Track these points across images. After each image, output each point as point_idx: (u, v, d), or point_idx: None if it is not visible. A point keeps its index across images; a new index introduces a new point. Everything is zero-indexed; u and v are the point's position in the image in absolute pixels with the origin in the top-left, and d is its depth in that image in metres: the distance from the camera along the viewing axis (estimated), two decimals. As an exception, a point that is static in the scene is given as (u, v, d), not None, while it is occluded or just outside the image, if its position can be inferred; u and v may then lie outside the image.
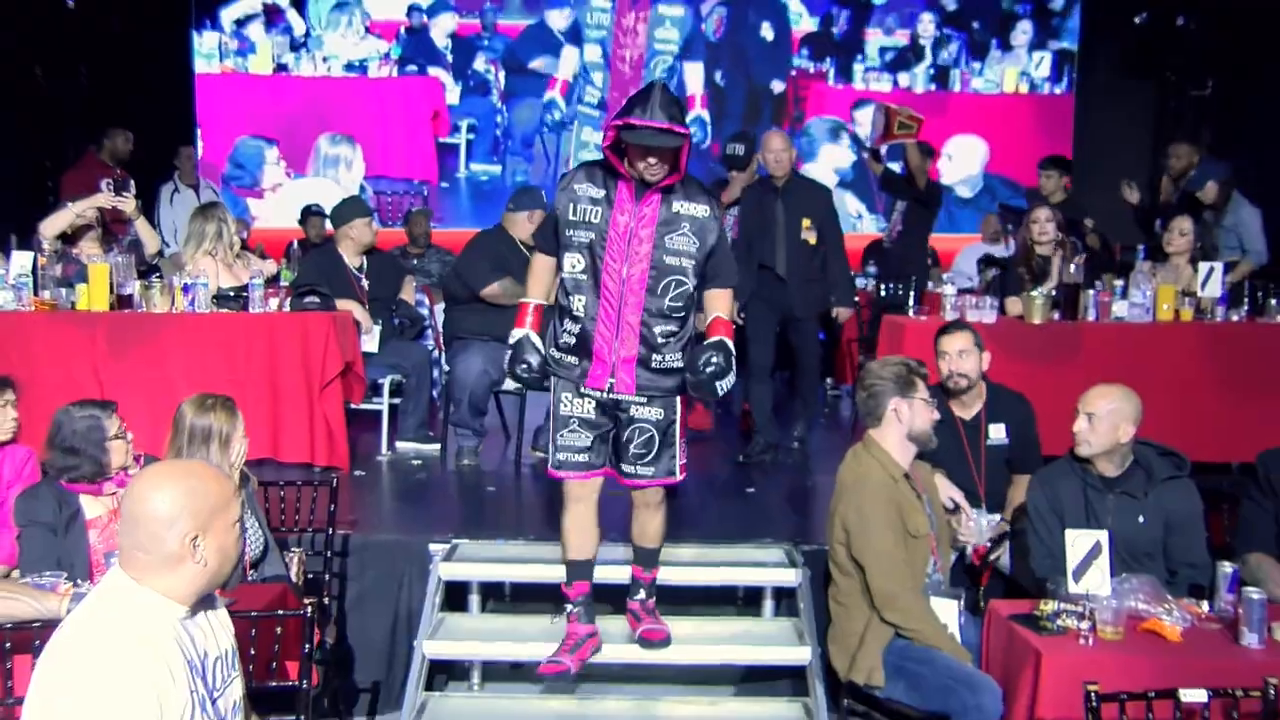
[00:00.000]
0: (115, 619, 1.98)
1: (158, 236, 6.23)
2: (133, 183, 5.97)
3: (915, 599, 3.32)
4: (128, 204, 5.81)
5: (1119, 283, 5.35)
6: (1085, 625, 2.88)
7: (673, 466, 3.54)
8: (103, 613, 2.01)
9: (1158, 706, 2.40)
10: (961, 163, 10.32)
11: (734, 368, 3.33)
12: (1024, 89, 10.33)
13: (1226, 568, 3.06)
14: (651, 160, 3.27)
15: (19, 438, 3.87)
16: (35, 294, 5.09)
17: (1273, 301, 5.26)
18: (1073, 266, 5.28)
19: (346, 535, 4.24)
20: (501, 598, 4.36)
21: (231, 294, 5.26)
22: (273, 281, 5.51)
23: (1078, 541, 3.03)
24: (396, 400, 5.89)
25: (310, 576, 3.89)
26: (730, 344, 3.36)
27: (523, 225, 5.62)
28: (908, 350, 5.05)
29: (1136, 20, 9.04)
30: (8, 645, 2.61)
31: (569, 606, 3.64)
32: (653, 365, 3.42)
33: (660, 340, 3.41)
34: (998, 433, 4.11)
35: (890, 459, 3.46)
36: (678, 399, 3.52)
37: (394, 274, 6.25)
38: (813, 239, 5.75)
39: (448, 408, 5.72)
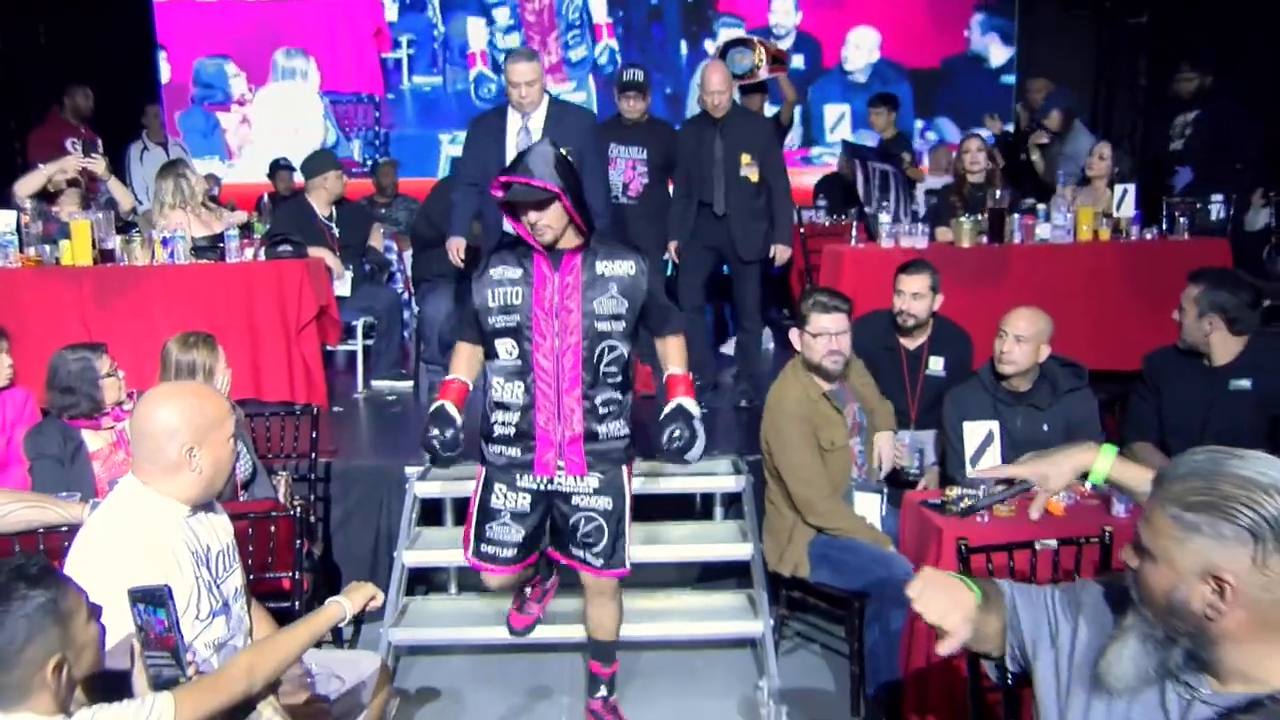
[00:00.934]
0: (129, 516, 2.34)
1: (130, 194, 6.48)
2: (100, 142, 6.26)
3: (832, 504, 3.71)
4: (98, 165, 6.11)
5: (1042, 206, 5.74)
6: (977, 500, 3.27)
7: (623, 558, 3.36)
8: (119, 511, 2.38)
9: (1018, 556, 2.80)
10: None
11: (699, 433, 3.19)
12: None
13: (1106, 455, 3.47)
14: (531, 217, 3.06)
15: (14, 383, 4.19)
16: (21, 251, 5.37)
17: (1181, 220, 5.66)
18: (999, 193, 5.66)
19: (328, 463, 4.59)
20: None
21: (208, 245, 5.55)
22: (246, 232, 5.79)
23: (973, 432, 3.43)
24: (370, 341, 6.21)
25: (297, 500, 4.25)
26: (691, 405, 3.21)
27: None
28: (845, 277, 5.41)
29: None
30: (41, 547, 2.96)
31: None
32: (599, 439, 3.25)
33: (604, 411, 3.23)
34: (936, 365, 4.41)
35: (811, 380, 3.80)
36: (623, 471, 3.33)
37: (362, 222, 6.57)
38: (754, 175, 5.50)
39: (418, 346, 6.08)
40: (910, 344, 4.42)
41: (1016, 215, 5.65)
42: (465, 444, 3.25)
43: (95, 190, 6.38)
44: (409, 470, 4.54)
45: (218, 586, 2.45)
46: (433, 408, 3.25)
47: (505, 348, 3.20)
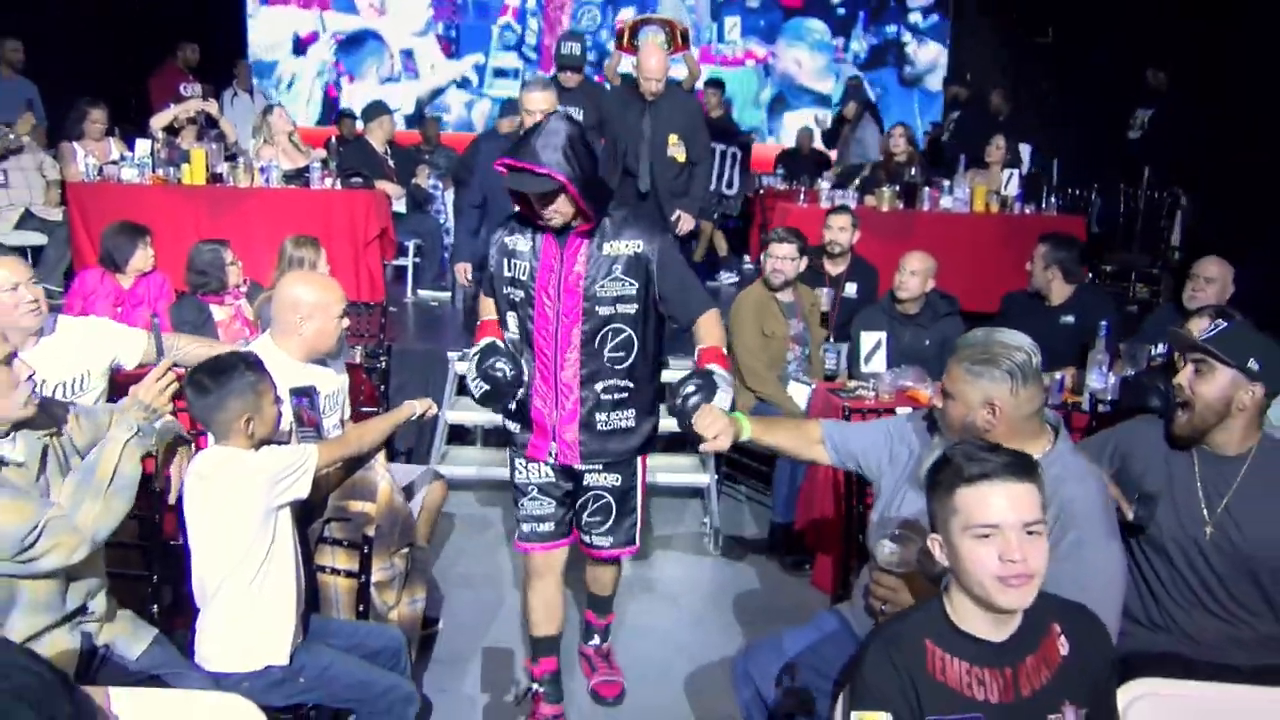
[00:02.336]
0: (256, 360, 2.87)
1: (234, 129, 6.98)
2: (201, 88, 6.80)
3: (768, 376, 4.32)
4: (211, 106, 6.65)
5: (947, 182, 6.32)
6: (869, 392, 3.90)
7: (631, 535, 2.91)
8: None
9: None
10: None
11: (720, 386, 2.51)
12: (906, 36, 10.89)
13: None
14: (537, 206, 2.55)
15: (155, 269, 4.71)
16: (153, 171, 5.88)
17: (1052, 199, 6.25)
18: (913, 169, 6.23)
19: (389, 344, 5.17)
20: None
21: (295, 174, 6.07)
22: (324, 165, 6.31)
23: (867, 339, 4.04)
24: (417, 259, 6.75)
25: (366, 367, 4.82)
26: (719, 370, 2.57)
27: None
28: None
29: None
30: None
31: (535, 685, 2.98)
32: (598, 428, 2.72)
33: (604, 398, 2.70)
34: (850, 289, 5.02)
35: (763, 288, 4.45)
36: (637, 461, 2.85)
37: (411, 163, 7.11)
38: (680, 155, 5.14)
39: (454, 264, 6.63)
40: (834, 270, 5.01)
41: (927, 188, 6.23)
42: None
43: (209, 127, 6.90)
44: (450, 354, 5.10)
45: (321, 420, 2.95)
46: (481, 343, 2.72)
47: (512, 321, 2.74)
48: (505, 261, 2.70)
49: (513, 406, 2.77)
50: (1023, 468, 1.64)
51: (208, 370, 2.28)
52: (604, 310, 2.65)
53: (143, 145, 5.85)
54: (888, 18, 10.76)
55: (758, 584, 4.07)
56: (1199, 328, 2.41)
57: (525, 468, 2.85)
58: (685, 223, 5.17)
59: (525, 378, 2.69)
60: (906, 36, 10.77)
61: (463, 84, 10.66)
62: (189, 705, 1.84)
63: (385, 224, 6.12)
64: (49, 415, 2.25)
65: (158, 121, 6.30)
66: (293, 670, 2.30)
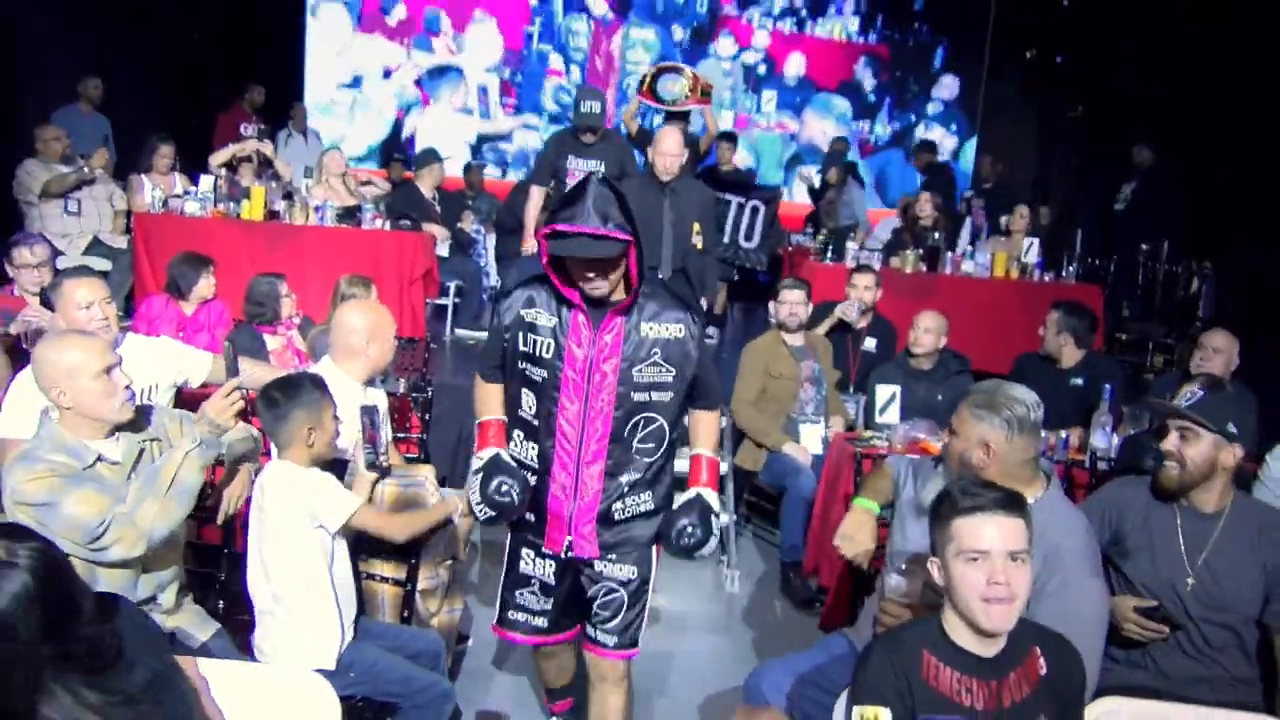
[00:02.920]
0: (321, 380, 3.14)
1: (289, 168, 7.37)
2: (258, 128, 7.22)
3: (769, 429, 4.55)
4: (267, 147, 7.05)
5: (970, 247, 6.56)
6: (883, 442, 4.11)
7: (634, 636, 2.63)
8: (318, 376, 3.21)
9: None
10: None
11: (714, 529, 2.49)
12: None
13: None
14: (590, 275, 2.32)
15: (216, 297, 5.01)
16: (214, 206, 6.23)
17: (1070, 268, 6.48)
18: (937, 234, 6.48)
19: (430, 378, 5.43)
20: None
21: (348, 213, 6.41)
22: (376, 207, 6.63)
23: (882, 391, 4.27)
24: (458, 299, 7.06)
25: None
26: (711, 498, 2.51)
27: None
28: (818, 284, 6.19)
29: (1028, 55, 10.03)
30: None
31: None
32: (616, 518, 2.50)
33: (626, 490, 2.49)
34: (870, 344, 5.28)
35: (776, 333, 4.73)
36: (652, 551, 2.61)
37: (457, 208, 7.45)
38: (700, 243, 5.20)
39: (495, 304, 6.93)
40: (855, 326, 5.25)
41: (949, 253, 6.48)
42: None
43: (265, 165, 7.28)
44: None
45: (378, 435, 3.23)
46: (485, 456, 2.51)
47: (528, 401, 2.47)
48: (523, 336, 2.44)
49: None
50: (1012, 503, 1.87)
51: (278, 386, 2.55)
52: (639, 397, 2.42)
53: (206, 181, 6.23)
54: (911, 105, 11.20)
55: (769, 621, 4.25)
56: (1183, 394, 2.62)
57: (531, 560, 2.61)
58: (711, 298, 5.41)
59: (527, 494, 2.45)
60: (922, 128, 11.17)
61: (527, 126, 11.14)
62: (267, 680, 2.06)
63: (430, 264, 6.44)
64: (148, 421, 2.52)
65: (216, 160, 6.70)
66: (343, 665, 2.53)
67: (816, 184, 8.88)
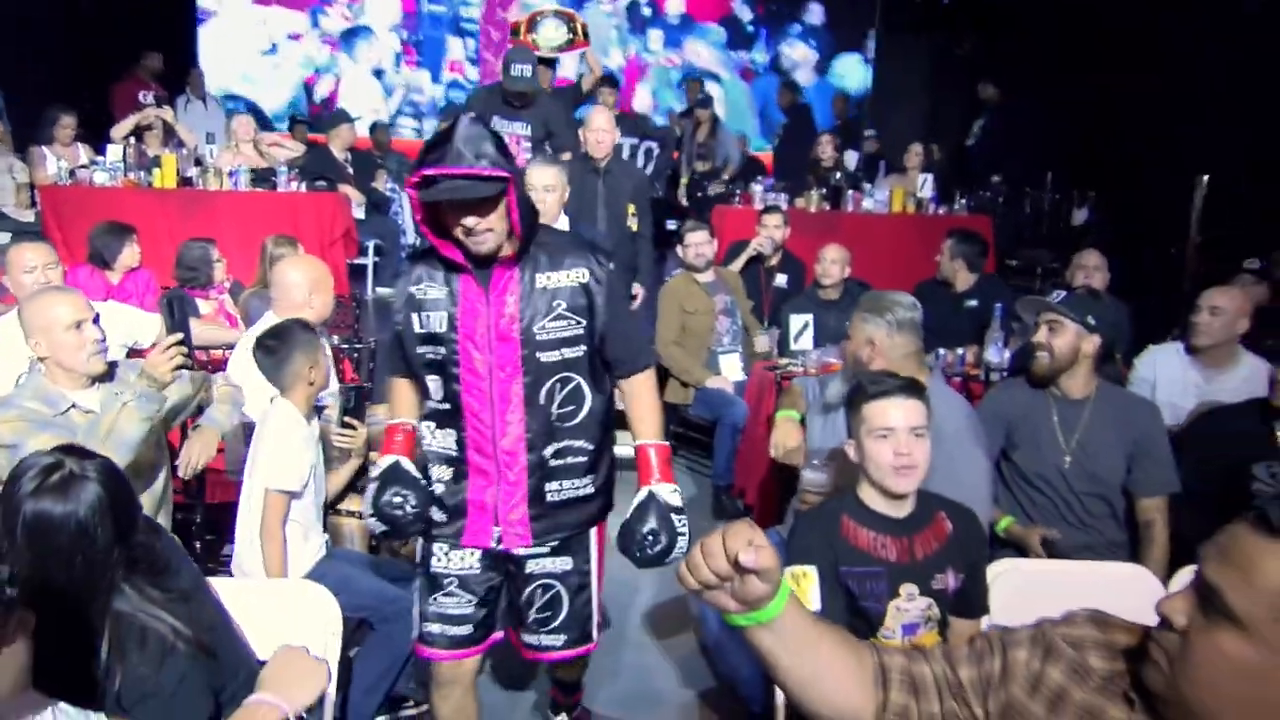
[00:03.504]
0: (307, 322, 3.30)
1: (193, 134, 7.35)
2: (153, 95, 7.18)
3: (692, 367, 4.87)
4: (167, 114, 7.03)
5: (868, 185, 6.98)
6: (799, 366, 4.48)
7: (587, 629, 2.40)
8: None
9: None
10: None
11: (679, 529, 2.16)
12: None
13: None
14: (469, 222, 2.04)
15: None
16: (125, 175, 6.23)
17: (963, 200, 6.95)
18: (838, 174, 6.88)
19: (362, 335, 5.60)
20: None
21: (263, 177, 6.48)
22: (290, 170, 6.70)
23: (794, 321, 4.64)
24: (377, 258, 7.19)
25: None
26: (666, 494, 2.20)
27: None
28: (728, 226, 6.57)
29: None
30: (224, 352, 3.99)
31: None
32: (548, 499, 2.28)
33: (554, 464, 2.26)
34: (781, 280, 5.64)
35: (687, 274, 5.02)
36: (591, 535, 2.39)
37: (371, 168, 7.55)
38: (635, 225, 5.14)
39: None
40: (766, 264, 5.60)
41: (850, 190, 6.88)
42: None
43: (169, 134, 7.26)
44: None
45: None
46: (382, 465, 2.26)
47: (434, 386, 2.26)
48: (416, 317, 2.20)
49: (439, 489, 2.30)
50: (912, 388, 2.23)
51: (272, 335, 2.77)
52: (547, 357, 2.19)
53: (114, 150, 6.23)
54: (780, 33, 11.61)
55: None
56: (1052, 295, 3.04)
57: (445, 555, 2.34)
58: (640, 294, 5.11)
59: (425, 509, 2.23)
60: (787, 47, 11.56)
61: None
62: (272, 590, 2.30)
63: (349, 224, 6.57)
64: (113, 377, 2.70)
65: (119, 130, 6.68)
66: (316, 577, 2.77)
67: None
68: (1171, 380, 3.71)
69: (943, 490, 2.34)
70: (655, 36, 11.41)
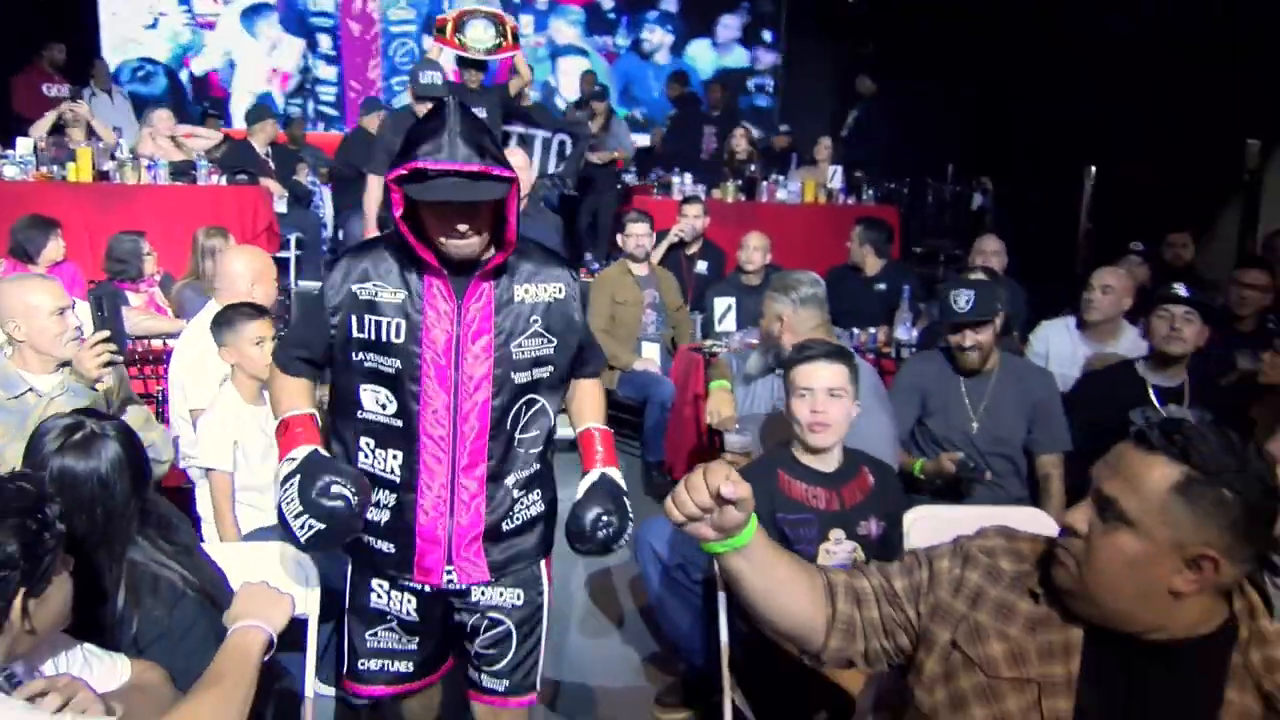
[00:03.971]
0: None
1: (109, 129, 7.27)
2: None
3: (619, 351, 5.05)
4: (82, 108, 6.96)
5: (781, 176, 7.31)
6: (722, 347, 4.74)
7: (531, 678, 2.22)
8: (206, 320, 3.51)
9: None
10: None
11: (629, 512, 2.07)
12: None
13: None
14: (462, 227, 1.86)
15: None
16: (37, 169, 6.16)
17: (870, 191, 7.34)
18: (752, 166, 7.19)
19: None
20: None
21: (182, 170, 6.47)
22: (211, 163, 6.70)
23: (718, 304, 4.91)
24: (299, 252, 7.23)
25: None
26: (616, 477, 2.10)
27: (371, 123, 7.01)
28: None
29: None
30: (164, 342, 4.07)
31: None
32: (505, 529, 2.09)
33: (517, 495, 2.09)
34: (702, 266, 5.91)
35: (623, 264, 5.23)
36: (542, 568, 2.21)
37: (291, 161, 7.58)
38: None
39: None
40: (688, 251, 5.88)
41: (764, 181, 7.21)
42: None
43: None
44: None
45: None
46: (296, 456, 1.90)
47: (377, 399, 1.99)
48: (359, 319, 1.95)
49: (382, 516, 2.05)
50: (835, 354, 2.50)
51: (230, 309, 2.92)
52: (520, 378, 2.01)
53: (24, 143, 6.14)
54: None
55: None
56: (962, 300, 3.28)
57: (385, 593, 2.13)
58: None
59: (366, 497, 1.89)
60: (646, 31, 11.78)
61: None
62: (249, 552, 2.44)
63: (271, 218, 6.60)
64: None
65: (36, 129, 6.58)
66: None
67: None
68: (1062, 352, 4.09)
69: (850, 444, 2.62)
70: (526, 21, 11.30)
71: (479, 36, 5.90)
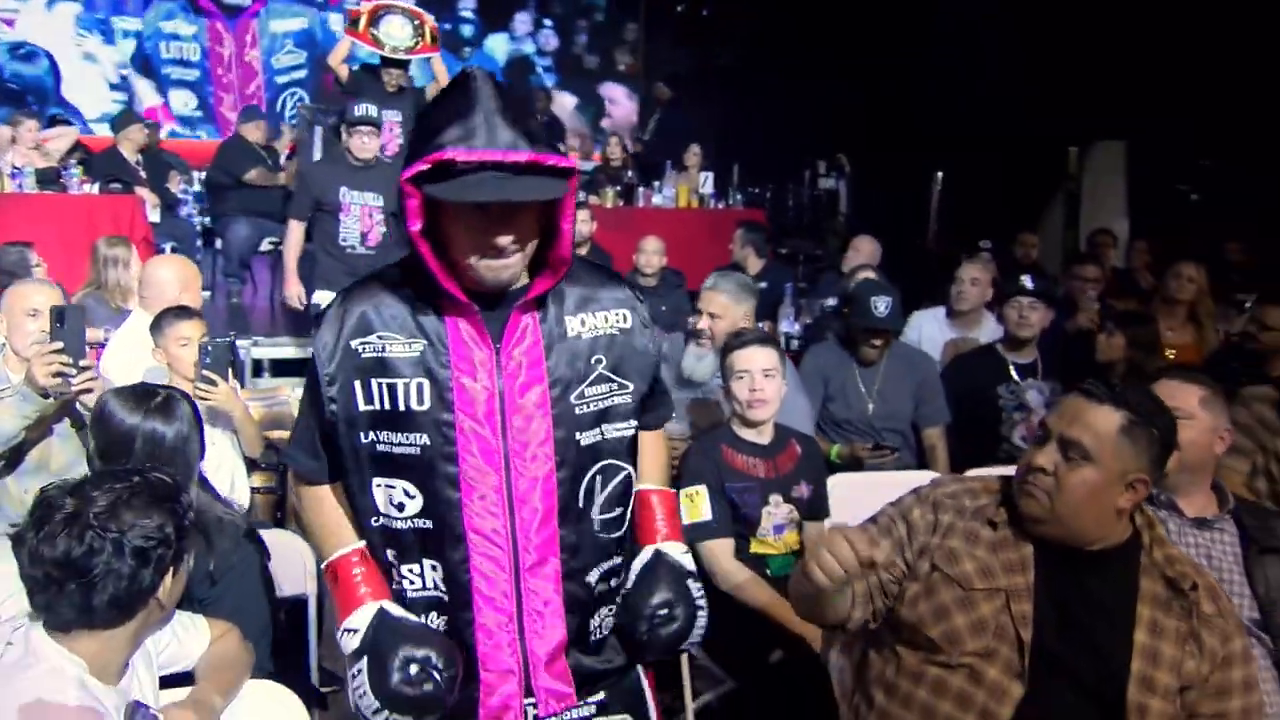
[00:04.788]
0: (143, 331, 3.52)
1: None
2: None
3: None
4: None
5: (658, 183, 7.72)
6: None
7: None
8: (137, 327, 3.58)
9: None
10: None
11: (698, 601, 1.66)
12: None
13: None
14: (504, 239, 1.41)
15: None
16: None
17: (738, 196, 7.85)
18: (629, 173, 7.56)
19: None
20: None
21: (50, 178, 6.30)
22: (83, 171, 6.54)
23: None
24: (174, 260, 7.12)
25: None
26: (678, 555, 1.69)
27: (250, 131, 7.05)
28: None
29: (678, 9, 11.36)
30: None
31: None
32: (593, 636, 1.62)
33: (600, 589, 1.62)
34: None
35: None
36: (643, 677, 1.72)
37: (161, 168, 7.45)
38: None
39: (215, 262, 7.12)
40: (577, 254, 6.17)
41: (641, 187, 7.60)
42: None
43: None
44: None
45: None
46: (361, 621, 1.53)
47: (391, 497, 1.54)
48: (366, 387, 1.51)
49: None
50: (767, 339, 2.88)
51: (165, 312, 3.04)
52: (588, 439, 1.56)
53: (-116, 154, 5.88)
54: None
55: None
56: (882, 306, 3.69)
57: None
58: None
59: (457, 667, 1.52)
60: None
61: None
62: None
63: (146, 229, 6.50)
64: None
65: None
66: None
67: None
68: (932, 339, 4.60)
69: (777, 420, 2.99)
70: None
71: (396, 34, 5.50)
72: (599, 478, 1.58)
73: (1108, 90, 7.31)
